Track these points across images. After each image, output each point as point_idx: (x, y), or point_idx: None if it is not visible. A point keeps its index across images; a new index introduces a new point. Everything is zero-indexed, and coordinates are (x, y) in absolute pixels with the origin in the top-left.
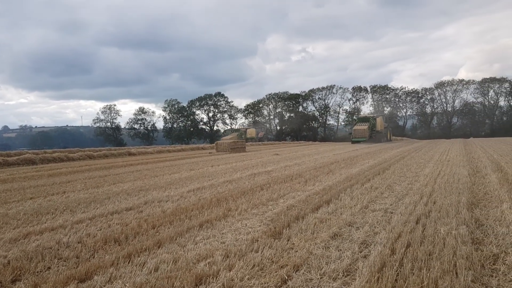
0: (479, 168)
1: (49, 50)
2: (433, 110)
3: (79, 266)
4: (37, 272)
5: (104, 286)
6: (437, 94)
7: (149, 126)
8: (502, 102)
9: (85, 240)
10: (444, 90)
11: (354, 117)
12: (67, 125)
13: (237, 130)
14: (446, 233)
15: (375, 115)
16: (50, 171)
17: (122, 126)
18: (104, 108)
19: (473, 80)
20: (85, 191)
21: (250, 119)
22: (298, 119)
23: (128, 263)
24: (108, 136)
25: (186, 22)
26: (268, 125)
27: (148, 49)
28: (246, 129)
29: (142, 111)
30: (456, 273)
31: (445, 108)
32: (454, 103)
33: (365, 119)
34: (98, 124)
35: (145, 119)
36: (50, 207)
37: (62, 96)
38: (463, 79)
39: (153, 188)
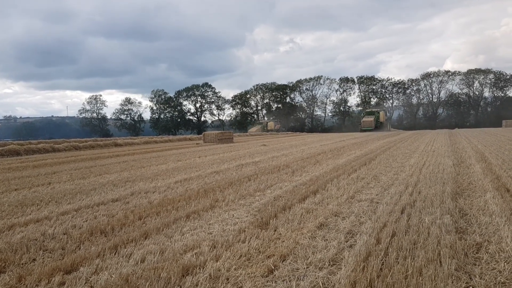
0: (464, 158)
1: (35, 40)
2: (419, 101)
3: (65, 257)
4: (22, 264)
5: (90, 277)
6: (423, 85)
7: (135, 117)
8: (486, 93)
9: (71, 232)
10: (430, 81)
11: (362, 112)
12: (52, 116)
13: (260, 123)
14: (431, 223)
15: (378, 109)
16: (35, 162)
17: (109, 117)
18: (90, 98)
19: (459, 71)
20: (70, 182)
21: (238, 110)
22: (286, 110)
23: (115, 254)
24: (94, 127)
25: (174, 11)
26: (256, 116)
27: (135, 39)
28: (267, 122)
29: (128, 101)
30: (440, 262)
31: (430, 99)
32: (439, 94)
33: (371, 113)
34: (84, 115)
35: (132, 109)
36: (35, 199)
37: (48, 86)
38: (449, 70)
39: (140, 179)
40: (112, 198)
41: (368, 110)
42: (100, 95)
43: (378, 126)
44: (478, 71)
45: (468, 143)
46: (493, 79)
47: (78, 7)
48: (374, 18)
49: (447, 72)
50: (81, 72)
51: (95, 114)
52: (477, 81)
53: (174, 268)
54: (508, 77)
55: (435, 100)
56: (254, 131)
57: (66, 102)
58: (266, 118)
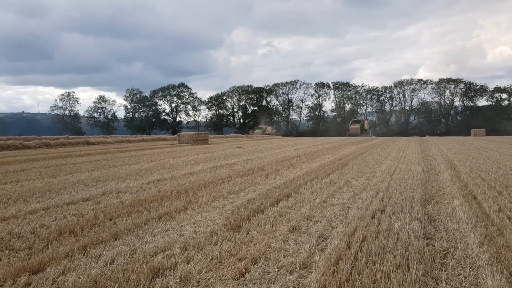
0: (433, 165)
1: (7, 33)
2: (392, 108)
3: (32, 257)
4: None
5: (57, 278)
6: (396, 93)
7: (109, 115)
8: (457, 102)
9: (39, 231)
10: (403, 89)
11: (351, 120)
12: (23, 112)
13: (260, 127)
14: (400, 228)
15: (364, 119)
16: (3, 159)
17: (81, 114)
18: (63, 95)
19: (431, 80)
20: (40, 180)
21: (214, 111)
22: (262, 113)
23: (83, 255)
24: (66, 124)
25: (150, 10)
26: (231, 118)
27: (111, 36)
28: (266, 127)
29: (102, 99)
30: (408, 267)
31: (403, 106)
32: (412, 102)
33: (357, 121)
34: (56, 112)
35: (105, 108)
36: (2, 196)
37: (19, 81)
38: (421, 79)
39: (112, 179)
40: (82, 198)
41: (355, 119)
42: (74, 92)
43: (362, 132)
44: (449, 81)
45: (438, 151)
46: (463, 89)
47: (53, 1)
48: (350, 25)
49: (419, 80)
50: (55, 68)
51: (67, 111)
52: (448, 91)
53: (144, 270)
54: (477, 87)
55: (407, 108)
56: (259, 132)
57: (38, 98)
58: (264, 124)
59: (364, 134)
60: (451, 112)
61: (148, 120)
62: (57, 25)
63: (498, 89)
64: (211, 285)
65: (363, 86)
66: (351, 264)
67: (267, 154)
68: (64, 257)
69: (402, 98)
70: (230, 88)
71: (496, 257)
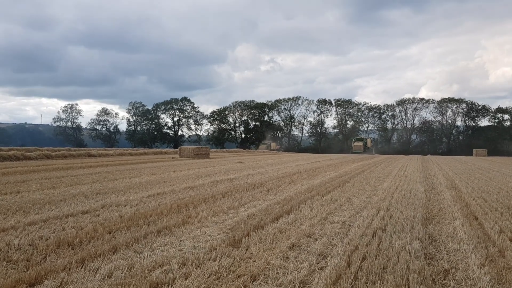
0: (435, 185)
1: (14, 44)
2: (393, 126)
3: (29, 269)
4: None
5: None
6: (398, 111)
7: (111, 128)
8: (459, 122)
9: (37, 243)
10: (405, 107)
11: (354, 138)
12: (25, 123)
13: (265, 143)
14: (401, 248)
15: (366, 137)
16: (4, 170)
17: (84, 127)
18: (65, 107)
19: (433, 100)
20: (40, 191)
21: (216, 126)
22: (263, 128)
23: (81, 268)
24: (68, 136)
25: (156, 25)
26: (233, 133)
27: (116, 49)
28: (271, 143)
29: (105, 112)
30: (409, 287)
31: (405, 125)
32: (413, 120)
33: (360, 139)
34: (58, 123)
35: (108, 120)
36: (2, 207)
37: (23, 93)
38: (424, 98)
39: (112, 192)
40: (82, 210)
41: (358, 137)
42: (76, 104)
43: (365, 150)
44: (451, 100)
45: (440, 170)
46: (465, 109)
47: (60, 15)
48: (353, 43)
49: (421, 99)
50: (59, 80)
51: (69, 123)
52: (450, 110)
53: (141, 285)
54: (479, 107)
55: (409, 126)
56: (264, 148)
57: (41, 109)
58: (268, 139)
59: (367, 152)
60: (453, 131)
61: (150, 133)
62: (63, 38)
63: (500, 110)
64: None
65: (365, 104)
66: (351, 283)
67: (268, 170)
68: (62, 270)
69: (404, 117)
70: (232, 103)
71: (497, 278)
